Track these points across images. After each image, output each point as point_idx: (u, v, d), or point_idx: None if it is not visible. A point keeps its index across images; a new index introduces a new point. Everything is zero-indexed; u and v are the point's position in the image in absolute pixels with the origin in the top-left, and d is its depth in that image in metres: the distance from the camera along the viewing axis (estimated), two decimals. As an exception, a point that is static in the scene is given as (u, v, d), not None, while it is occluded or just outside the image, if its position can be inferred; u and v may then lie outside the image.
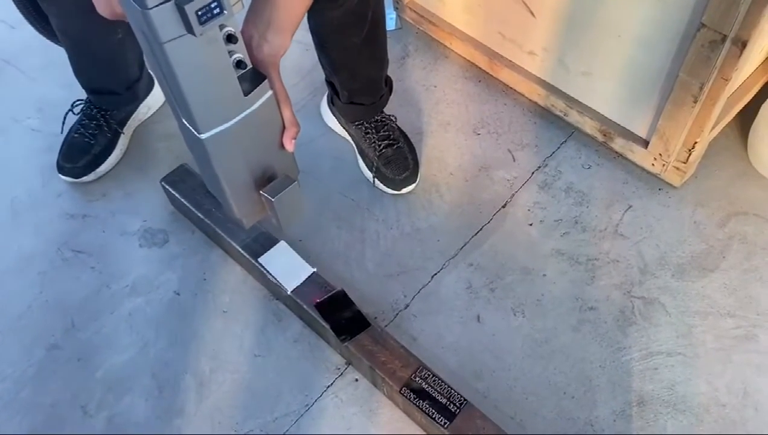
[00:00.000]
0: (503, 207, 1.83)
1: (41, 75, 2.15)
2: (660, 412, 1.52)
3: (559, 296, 1.68)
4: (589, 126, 1.89)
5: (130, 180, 1.92)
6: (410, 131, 1.94)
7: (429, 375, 1.47)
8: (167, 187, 1.78)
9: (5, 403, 1.58)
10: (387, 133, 1.84)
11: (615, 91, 1.80)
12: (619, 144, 1.86)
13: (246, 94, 1.08)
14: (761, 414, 1.51)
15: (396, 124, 1.88)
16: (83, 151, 1.88)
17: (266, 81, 1.10)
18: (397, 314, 1.67)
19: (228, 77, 1.04)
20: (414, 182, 1.85)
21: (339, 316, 1.55)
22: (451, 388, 1.46)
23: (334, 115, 1.93)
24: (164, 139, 1.99)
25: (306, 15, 1.18)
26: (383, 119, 1.85)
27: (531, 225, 1.79)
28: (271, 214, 1.24)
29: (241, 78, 1.06)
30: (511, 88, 2.04)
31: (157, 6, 0.90)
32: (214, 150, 1.12)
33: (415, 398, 1.45)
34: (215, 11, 0.93)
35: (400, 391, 1.46)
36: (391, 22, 2.16)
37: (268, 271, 1.62)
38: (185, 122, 1.10)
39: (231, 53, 1.03)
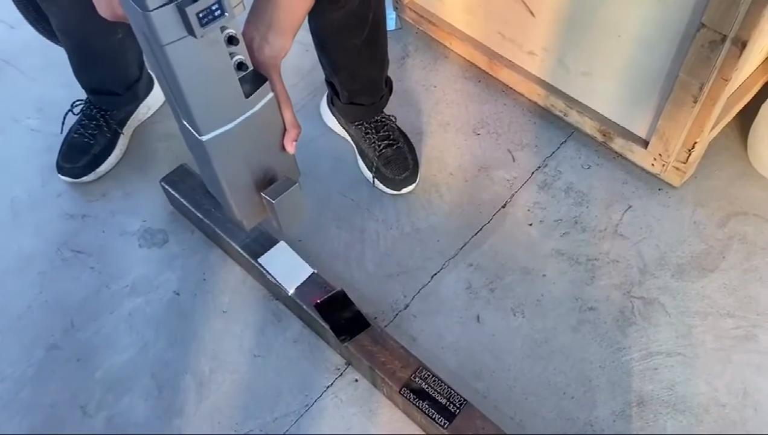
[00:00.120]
0: (503, 207, 1.83)
1: (41, 75, 2.15)
2: (660, 413, 1.52)
3: (558, 296, 1.68)
4: (588, 126, 1.89)
5: (129, 180, 1.92)
6: (410, 131, 1.94)
7: (429, 375, 1.47)
8: (167, 187, 1.78)
9: (5, 403, 1.58)
10: (387, 133, 1.84)
11: (615, 92, 1.80)
12: (618, 144, 1.86)
13: (247, 96, 1.08)
14: (761, 414, 1.51)
15: (396, 125, 1.88)
16: (83, 151, 1.88)
17: (267, 83, 1.10)
18: (396, 314, 1.67)
19: (229, 79, 1.05)
20: (414, 182, 1.85)
21: (339, 316, 1.55)
22: (451, 389, 1.46)
23: (334, 116, 1.93)
24: (164, 139, 1.99)
25: (307, 16, 1.18)
26: (383, 119, 1.85)
27: (531, 225, 1.80)
28: (272, 216, 1.24)
29: (242, 80, 1.06)
30: (510, 88, 2.04)
31: (158, 8, 0.90)
32: (215, 152, 1.12)
33: (414, 398, 1.45)
34: (216, 13, 0.93)
35: (399, 392, 1.46)
36: (390, 22, 2.16)
37: (267, 272, 1.61)
38: (186, 124, 1.10)
39: (232, 55, 1.03)
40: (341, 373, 1.59)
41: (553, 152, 1.92)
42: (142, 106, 1.99)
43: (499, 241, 1.77)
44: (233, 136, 1.11)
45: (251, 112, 1.10)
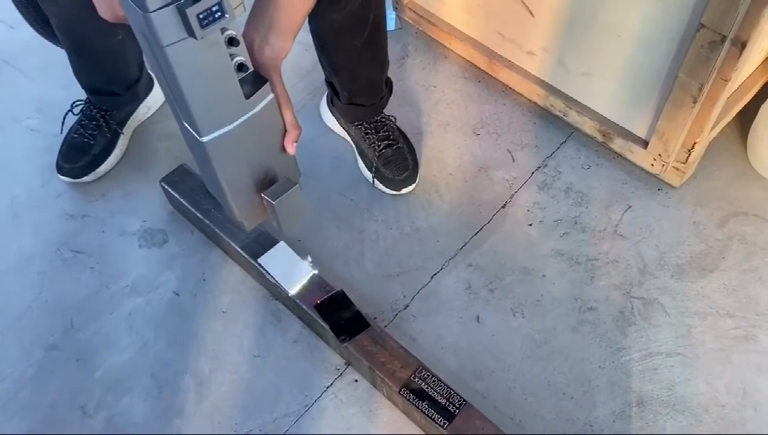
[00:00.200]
0: (503, 207, 1.83)
1: (41, 75, 2.15)
2: (659, 413, 1.52)
3: (558, 297, 1.68)
4: (588, 126, 1.89)
5: (129, 180, 1.92)
6: (410, 131, 1.94)
7: (428, 375, 1.47)
8: (166, 187, 1.78)
9: (4, 403, 1.58)
10: (386, 133, 1.84)
11: (614, 92, 1.80)
12: (618, 144, 1.86)
13: (247, 97, 1.08)
14: (761, 414, 1.51)
15: (395, 125, 1.88)
16: (83, 151, 1.88)
17: (268, 84, 1.10)
18: (396, 315, 1.67)
19: (229, 80, 1.05)
20: (413, 182, 1.85)
21: (338, 316, 1.55)
22: (451, 389, 1.46)
23: (334, 116, 1.93)
24: (164, 139, 1.99)
25: (307, 17, 1.18)
26: (383, 119, 1.85)
27: (530, 225, 1.80)
28: (273, 217, 1.24)
29: (242, 81, 1.06)
30: (510, 88, 2.04)
31: (158, 9, 0.90)
32: (216, 153, 1.12)
33: (414, 399, 1.45)
34: (217, 15, 0.93)
35: (399, 392, 1.46)
36: (390, 22, 2.16)
37: (267, 272, 1.61)
38: (186, 125, 1.10)
39: (232, 56, 1.03)
40: (341, 374, 1.59)
41: (553, 152, 1.92)
42: (142, 106, 1.99)
43: (498, 241, 1.77)
44: (234, 137, 1.11)
45: (252, 113, 1.10)
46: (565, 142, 1.94)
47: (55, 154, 1.90)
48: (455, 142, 1.95)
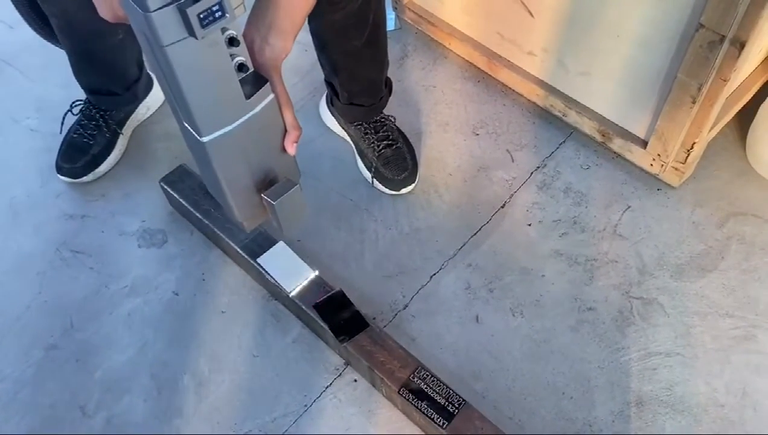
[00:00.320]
0: (502, 207, 1.83)
1: (40, 75, 2.15)
2: (658, 413, 1.52)
3: (557, 297, 1.68)
4: (587, 126, 1.90)
5: (129, 180, 1.92)
6: (409, 131, 1.94)
7: (428, 375, 1.47)
8: (166, 187, 1.78)
9: (4, 403, 1.58)
10: (386, 133, 1.84)
11: (614, 92, 1.80)
12: (617, 144, 1.86)
13: (248, 97, 1.08)
14: (760, 414, 1.51)
15: (395, 125, 1.88)
16: (82, 151, 1.88)
17: (268, 84, 1.10)
18: (395, 315, 1.67)
19: (230, 80, 1.05)
20: (413, 183, 1.85)
21: (338, 316, 1.55)
22: (450, 389, 1.46)
23: (333, 116, 1.93)
24: (163, 139, 1.99)
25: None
26: (382, 120, 1.85)
27: (530, 225, 1.80)
28: (273, 218, 1.24)
29: (242, 81, 1.06)
30: (510, 88, 2.04)
31: (159, 9, 0.90)
32: (216, 153, 1.12)
33: (413, 399, 1.45)
34: (217, 14, 0.93)
35: (398, 392, 1.46)
36: (390, 22, 2.16)
37: (266, 272, 1.62)
38: (186, 125, 1.10)
39: (233, 56, 1.03)
40: (340, 374, 1.59)
41: (552, 152, 1.92)
42: (141, 106, 1.99)
43: (498, 241, 1.77)
44: (234, 137, 1.11)
45: (252, 113, 1.10)
46: (564, 142, 1.94)
47: (55, 154, 1.90)
48: (455, 142, 1.96)
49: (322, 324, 1.55)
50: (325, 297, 1.57)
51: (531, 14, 1.83)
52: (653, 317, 1.64)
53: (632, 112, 1.80)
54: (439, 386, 1.46)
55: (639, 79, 1.72)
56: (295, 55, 2.04)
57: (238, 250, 1.66)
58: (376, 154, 1.83)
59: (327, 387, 1.58)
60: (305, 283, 1.60)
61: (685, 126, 1.67)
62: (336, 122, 1.94)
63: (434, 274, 1.73)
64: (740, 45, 1.47)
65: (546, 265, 1.73)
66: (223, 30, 0.99)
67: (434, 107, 2.03)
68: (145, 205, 1.86)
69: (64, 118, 1.92)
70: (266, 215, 1.26)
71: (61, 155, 1.89)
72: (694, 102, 1.61)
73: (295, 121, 1.18)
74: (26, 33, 1.76)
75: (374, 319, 1.63)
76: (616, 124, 1.86)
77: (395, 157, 1.84)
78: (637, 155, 1.83)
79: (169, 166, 1.81)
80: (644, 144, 1.81)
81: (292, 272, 1.62)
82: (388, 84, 1.82)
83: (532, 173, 1.89)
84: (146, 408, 1.57)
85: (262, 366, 1.61)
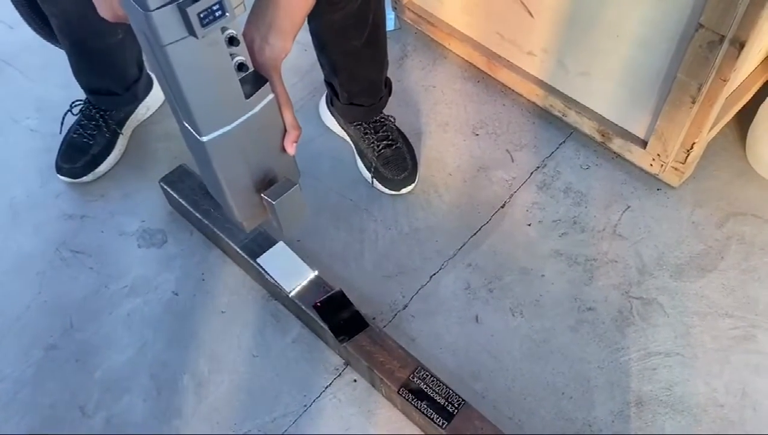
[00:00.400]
0: (502, 207, 1.83)
1: (40, 75, 2.15)
2: (658, 413, 1.52)
3: (557, 296, 1.68)
4: (587, 126, 1.90)
5: (128, 180, 1.92)
6: (409, 132, 1.94)
7: (427, 375, 1.47)
8: (166, 187, 1.78)
9: (4, 403, 1.58)
10: (386, 133, 1.84)
11: (613, 92, 1.80)
12: (617, 144, 1.86)
13: (247, 96, 1.08)
14: (759, 414, 1.51)
15: (395, 125, 1.88)
16: (82, 151, 1.88)
17: (268, 84, 1.10)
18: (395, 315, 1.67)
19: (229, 80, 1.04)
20: (412, 183, 1.85)
21: (337, 316, 1.55)
22: (450, 389, 1.46)
23: (333, 116, 1.93)
24: (163, 139, 1.99)
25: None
26: (382, 120, 1.85)
27: (529, 225, 1.80)
28: (272, 218, 1.24)
29: (242, 81, 1.06)
30: (509, 88, 2.04)
31: (159, 8, 0.89)
32: (215, 153, 1.12)
33: (413, 399, 1.45)
34: (217, 14, 0.93)
35: (398, 392, 1.46)
36: (389, 22, 2.16)
37: (266, 272, 1.61)
38: (186, 124, 1.10)
39: (233, 56, 1.03)
40: (340, 374, 1.59)
41: (552, 152, 1.92)
42: (141, 106, 1.99)
43: (497, 241, 1.77)
44: (233, 137, 1.11)
45: (251, 113, 1.10)
46: (564, 142, 1.94)
47: (55, 155, 1.90)
48: (454, 142, 1.96)
49: (322, 324, 1.55)
50: (324, 297, 1.57)
51: (531, 14, 1.83)
52: (653, 317, 1.64)
53: (632, 112, 1.80)
54: (438, 386, 1.46)
55: (639, 79, 1.72)
56: (295, 55, 2.04)
57: (238, 250, 1.66)
58: (376, 154, 1.83)
59: (327, 387, 1.58)
60: (305, 283, 1.60)
61: (685, 126, 1.67)
62: (336, 122, 1.94)
63: (434, 274, 1.73)
64: (740, 45, 1.47)
65: (546, 265, 1.73)
66: (223, 29, 0.99)
67: (434, 107, 2.03)
68: (145, 205, 1.86)
69: (63, 118, 1.92)
70: (266, 215, 1.26)
71: (60, 155, 1.89)
72: (693, 102, 1.61)
73: (294, 121, 1.18)
74: (26, 33, 1.76)
75: (374, 319, 1.63)
76: (616, 124, 1.86)
77: (395, 157, 1.84)
78: (636, 155, 1.83)
79: (169, 166, 1.82)
80: (644, 144, 1.81)
81: (291, 272, 1.62)
82: (388, 84, 1.82)
83: (531, 173, 1.89)
84: (146, 408, 1.57)
85: (262, 366, 1.61)
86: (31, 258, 1.78)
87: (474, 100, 2.04)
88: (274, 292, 1.66)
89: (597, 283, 1.70)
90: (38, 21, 1.63)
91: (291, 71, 2.08)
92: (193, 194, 1.75)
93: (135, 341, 1.65)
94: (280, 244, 1.66)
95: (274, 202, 1.18)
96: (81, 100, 1.91)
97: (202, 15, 0.91)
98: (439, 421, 1.42)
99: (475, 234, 1.79)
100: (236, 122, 1.09)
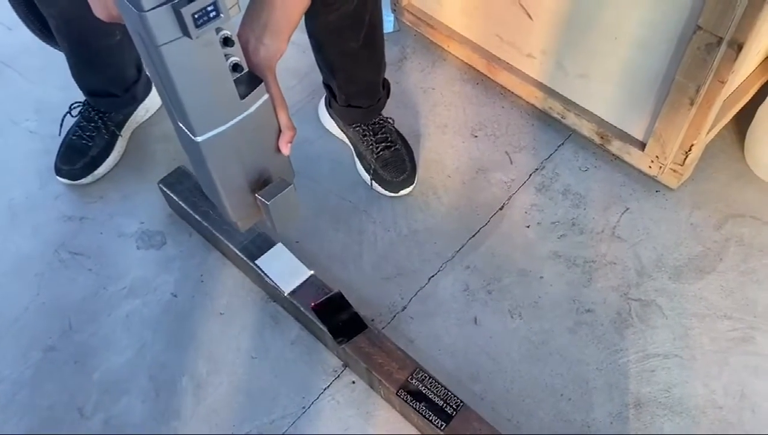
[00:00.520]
0: (500, 209, 1.83)
1: (39, 77, 2.15)
2: (657, 414, 1.52)
3: (556, 298, 1.68)
4: (586, 128, 1.90)
5: (127, 182, 1.92)
6: (408, 133, 1.94)
7: (426, 377, 1.47)
8: (165, 189, 1.78)
9: (2, 405, 1.58)
10: (384, 135, 1.84)
11: (612, 94, 1.80)
12: (616, 146, 1.86)
13: (242, 97, 1.07)
14: (758, 416, 1.51)
15: (393, 127, 1.88)
16: (81, 153, 1.89)
17: (262, 84, 1.10)
18: (394, 316, 1.67)
19: (224, 80, 1.04)
20: (411, 184, 1.85)
21: (336, 318, 1.55)
22: (448, 390, 1.46)
23: (332, 118, 1.93)
24: (162, 141, 1.99)
25: (303, 18, 1.18)
26: (381, 121, 1.85)
27: (528, 227, 1.80)
28: (267, 218, 1.24)
29: (237, 81, 1.06)
30: (508, 90, 2.04)
31: (153, 8, 0.89)
32: (210, 153, 1.12)
33: (411, 400, 1.45)
34: (212, 14, 0.93)
35: (396, 393, 1.46)
36: (388, 24, 2.16)
37: (265, 274, 1.62)
38: (181, 124, 1.10)
39: (227, 56, 1.03)
40: (338, 375, 1.59)
41: (551, 154, 1.92)
42: (140, 108, 1.99)
43: (496, 243, 1.77)
44: (228, 137, 1.11)
45: (246, 113, 1.10)
46: (562, 144, 1.94)
47: (54, 156, 1.90)
48: (453, 144, 1.96)
49: (321, 326, 1.55)
50: (323, 299, 1.57)
51: (530, 17, 1.83)
52: (651, 319, 1.64)
53: (630, 114, 1.80)
54: (437, 388, 1.46)
55: (637, 81, 1.72)
56: (294, 58, 2.06)
57: (237, 251, 1.66)
58: (375, 156, 1.83)
59: (325, 389, 1.58)
60: (304, 284, 1.60)
61: (683, 128, 1.66)
62: (334, 124, 1.94)
63: (433, 276, 1.73)
64: (738, 47, 1.47)
65: (544, 266, 1.73)
66: (218, 30, 0.99)
67: (433, 109, 2.03)
68: (144, 206, 1.87)
69: (62, 120, 1.92)
70: (260, 215, 1.26)
71: (59, 157, 1.90)
72: (692, 104, 1.61)
73: (289, 122, 1.18)
74: (25, 35, 1.76)
75: (372, 320, 1.63)
76: (615, 126, 1.86)
77: (394, 159, 1.84)
78: (635, 157, 1.83)
79: (168, 168, 1.82)
80: (642, 146, 1.81)
81: (290, 274, 1.62)
82: (386, 86, 1.82)
83: (530, 175, 1.88)
84: (144, 409, 1.57)
85: (261, 368, 1.61)
86: (29, 259, 1.78)
87: (473, 102, 2.04)
88: (273, 293, 1.66)
89: (596, 285, 1.69)
90: (36, 22, 1.64)
91: (290, 74, 2.09)
92: (192, 196, 1.75)
93: (134, 343, 1.65)
94: (279, 246, 1.66)
95: (268, 203, 1.18)
96: (80, 102, 1.92)
97: (196, 16, 0.91)
98: (438, 422, 1.42)
99: (473, 236, 1.79)
100: (231, 123, 1.09)
